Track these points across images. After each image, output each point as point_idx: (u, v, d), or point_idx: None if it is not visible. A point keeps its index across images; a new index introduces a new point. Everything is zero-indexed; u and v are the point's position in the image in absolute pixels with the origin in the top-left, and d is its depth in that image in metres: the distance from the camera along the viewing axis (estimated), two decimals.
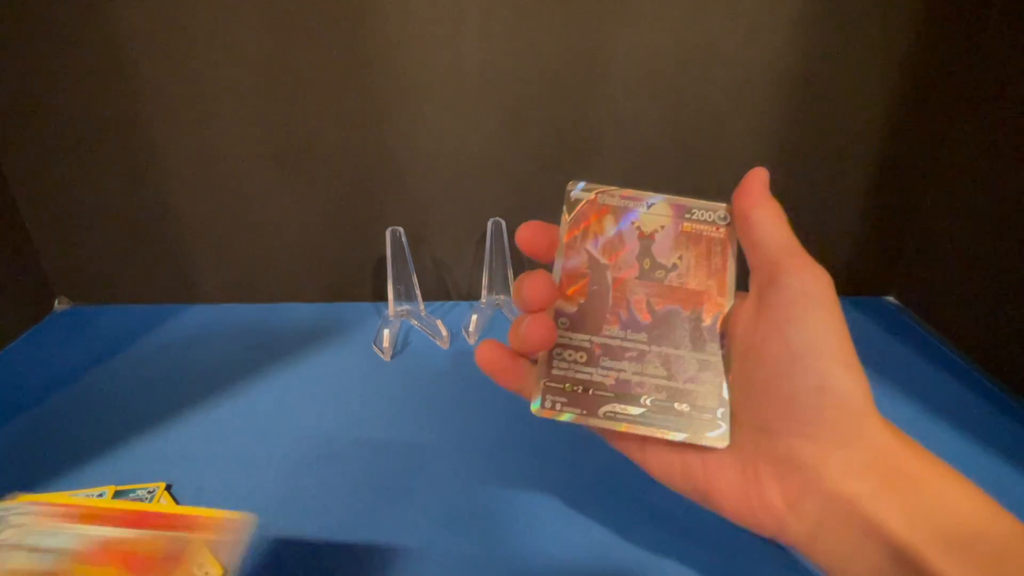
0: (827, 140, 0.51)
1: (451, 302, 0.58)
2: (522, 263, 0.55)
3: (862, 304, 0.58)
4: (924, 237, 0.54)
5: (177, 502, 0.35)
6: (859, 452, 0.22)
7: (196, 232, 0.54)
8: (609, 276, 0.28)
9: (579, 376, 0.26)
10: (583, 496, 0.35)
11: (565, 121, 0.50)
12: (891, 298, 0.59)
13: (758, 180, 0.27)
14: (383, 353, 0.49)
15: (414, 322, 0.54)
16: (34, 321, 0.54)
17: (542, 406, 0.26)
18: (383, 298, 0.54)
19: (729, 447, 0.25)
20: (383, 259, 0.52)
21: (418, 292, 0.52)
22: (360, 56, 0.47)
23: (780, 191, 0.58)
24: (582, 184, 0.29)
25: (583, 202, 0.29)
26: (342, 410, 0.43)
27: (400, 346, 0.50)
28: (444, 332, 0.50)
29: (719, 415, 0.25)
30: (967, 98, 0.49)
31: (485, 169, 0.52)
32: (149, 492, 0.36)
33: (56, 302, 0.57)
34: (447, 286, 0.57)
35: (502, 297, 0.54)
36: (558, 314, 0.27)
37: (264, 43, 0.46)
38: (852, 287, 0.58)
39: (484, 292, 0.54)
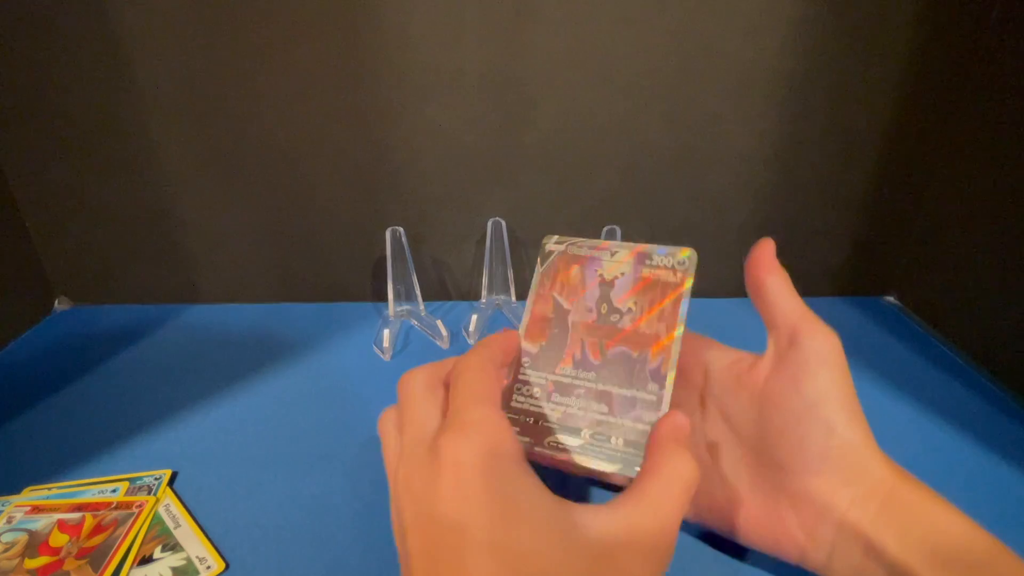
0: (827, 140, 0.51)
1: (451, 302, 0.58)
2: (522, 263, 0.55)
3: (862, 304, 0.58)
4: (924, 237, 0.54)
5: (179, 497, 0.35)
6: (862, 485, 0.26)
7: (196, 232, 0.54)
8: (569, 320, 0.30)
9: (532, 408, 0.29)
10: (586, 493, 0.35)
11: (565, 121, 0.50)
12: (891, 298, 0.59)
13: (768, 250, 0.30)
14: (383, 353, 0.49)
15: (414, 322, 0.54)
16: (34, 321, 0.54)
17: None
18: (383, 298, 0.54)
19: (752, 483, 0.29)
20: (383, 259, 0.52)
21: (418, 292, 0.52)
22: (360, 56, 0.47)
23: (780, 192, 0.58)
24: (555, 237, 0.32)
25: (556, 253, 0.32)
26: (342, 410, 0.43)
27: (400, 346, 0.50)
28: (444, 332, 0.50)
29: None
30: (967, 98, 0.49)
31: (485, 169, 0.52)
32: (156, 479, 0.36)
33: (56, 302, 0.57)
34: (447, 286, 0.57)
35: (502, 297, 0.54)
36: (523, 353, 0.30)
37: (264, 43, 0.46)
38: (852, 287, 0.58)
39: (484, 292, 0.54)
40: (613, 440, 0.28)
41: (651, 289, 0.30)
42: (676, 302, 0.29)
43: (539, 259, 0.32)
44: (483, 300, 0.55)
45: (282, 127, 0.50)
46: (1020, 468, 0.38)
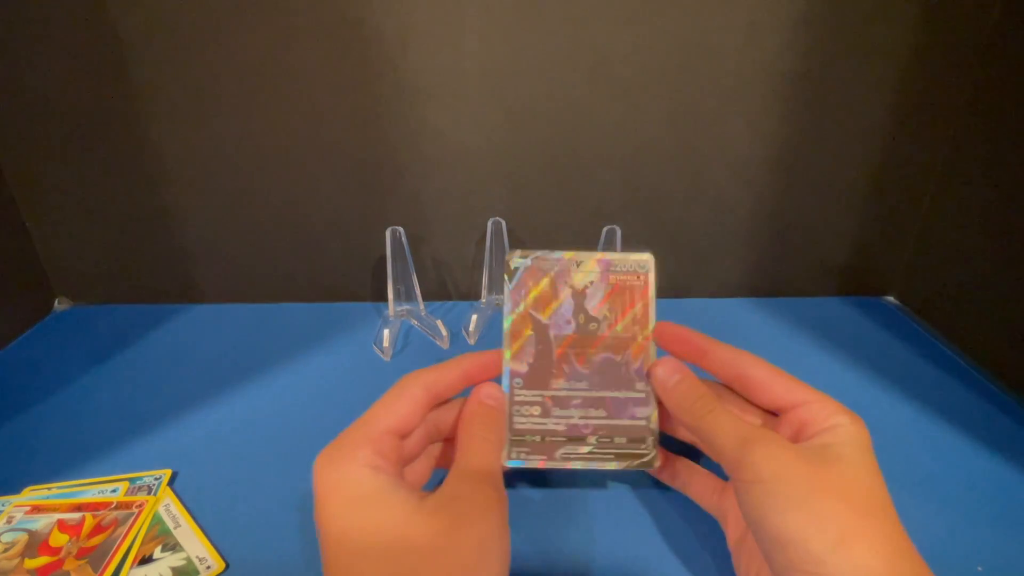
0: (827, 140, 0.51)
1: (451, 302, 0.58)
2: None
3: (862, 304, 0.58)
4: (924, 237, 0.54)
5: (179, 497, 0.35)
6: None
7: (196, 232, 0.54)
8: (551, 335, 0.32)
9: (536, 427, 0.30)
10: (585, 493, 0.35)
11: (565, 121, 0.50)
12: (891, 298, 0.59)
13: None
14: (383, 353, 0.49)
15: (414, 322, 0.54)
16: (34, 321, 0.54)
17: (509, 457, 0.30)
18: (383, 298, 0.54)
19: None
20: (383, 259, 0.51)
21: (418, 292, 0.52)
22: (360, 56, 0.47)
23: (780, 191, 0.58)
24: (519, 252, 0.33)
25: (522, 268, 0.33)
26: (342, 410, 0.43)
27: (400, 346, 0.50)
28: (444, 332, 0.50)
29: (649, 443, 0.30)
30: (967, 98, 0.49)
31: (485, 169, 0.52)
32: (156, 479, 0.36)
33: (56, 302, 0.57)
34: (447, 286, 0.57)
35: (502, 297, 0.54)
36: (512, 375, 0.31)
37: (264, 43, 0.46)
38: (852, 287, 0.58)
39: (484, 292, 0.54)
40: (616, 439, 0.30)
41: (620, 295, 0.32)
42: (645, 303, 0.32)
43: (505, 276, 0.32)
44: (483, 300, 0.55)
45: (282, 127, 0.50)
46: (1020, 468, 0.38)
